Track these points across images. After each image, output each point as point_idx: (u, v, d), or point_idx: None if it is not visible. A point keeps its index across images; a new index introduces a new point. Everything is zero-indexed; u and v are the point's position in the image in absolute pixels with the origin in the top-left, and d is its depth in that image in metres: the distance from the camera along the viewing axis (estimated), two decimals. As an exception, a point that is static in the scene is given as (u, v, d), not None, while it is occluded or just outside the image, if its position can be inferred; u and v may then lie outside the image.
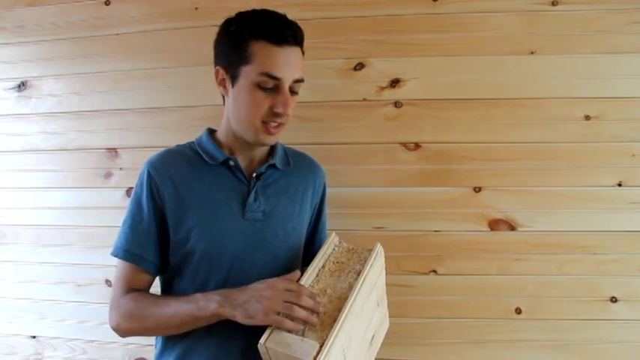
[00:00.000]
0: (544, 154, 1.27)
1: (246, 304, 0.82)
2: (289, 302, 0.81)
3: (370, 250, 0.95)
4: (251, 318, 0.81)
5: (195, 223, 0.93)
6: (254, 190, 0.96)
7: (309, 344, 0.78)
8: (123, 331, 0.94)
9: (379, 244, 0.96)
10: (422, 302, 1.31)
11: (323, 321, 0.83)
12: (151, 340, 1.01)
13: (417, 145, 1.31)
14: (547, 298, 1.27)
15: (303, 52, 0.94)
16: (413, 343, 1.30)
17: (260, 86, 0.88)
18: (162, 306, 0.89)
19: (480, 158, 1.29)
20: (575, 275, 1.27)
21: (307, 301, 0.81)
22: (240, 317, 0.82)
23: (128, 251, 0.94)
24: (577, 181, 1.27)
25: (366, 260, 0.92)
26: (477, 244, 1.29)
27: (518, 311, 1.28)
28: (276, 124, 0.92)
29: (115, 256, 0.95)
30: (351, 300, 0.84)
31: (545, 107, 1.27)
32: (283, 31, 0.88)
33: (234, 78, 0.91)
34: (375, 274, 0.93)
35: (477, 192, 1.29)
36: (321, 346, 0.77)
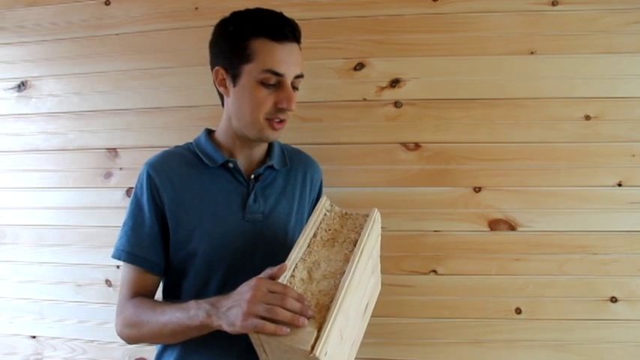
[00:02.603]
0: (544, 154, 1.27)
1: (229, 310, 0.75)
2: (272, 304, 0.72)
3: (366, 216, 0.86)
4: (232, 325, 0.74)
5: (196, 225, 0.93)
6: (253, 192, 0.96)
7: (305, 330, 0.71)
8: (125, 338, 0.92)
9: (376, 210, 0.89)
10: (421, 302, 1.31)
11: (319, 301, 0.75)
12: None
13: (417, 145, 1.31)
14: (547, 298, 1.27)
15: (300, 49, 0.94)
16: (412, 343, 1.30)
17: (263, 83, 0.89)
18: (158, 312, 0.85)
19: (480, 158, 1.29)
20: (575, 275, 1.27)
21: (293, 304, 0.72)
22: (225, 326, 0.76)
23: (130, 253, 0.93)
24: (577, 181, 1.27)
25: (362, 228, 0.84)
26: (476, 244, 1.29)
27: (518, 311, 1.28)
28: (280, 119, 0.92)
29: (117, 258, 0.94)
30: (349, 277, 0.75)
31: (545, 107, 1.27)
32: (283, 28, 0.89)
33: (235, 77, 0.91)
34: (371, 243, 0.85)
35: (477, 192, 1.29)
36: (318, 331, 0.71)
